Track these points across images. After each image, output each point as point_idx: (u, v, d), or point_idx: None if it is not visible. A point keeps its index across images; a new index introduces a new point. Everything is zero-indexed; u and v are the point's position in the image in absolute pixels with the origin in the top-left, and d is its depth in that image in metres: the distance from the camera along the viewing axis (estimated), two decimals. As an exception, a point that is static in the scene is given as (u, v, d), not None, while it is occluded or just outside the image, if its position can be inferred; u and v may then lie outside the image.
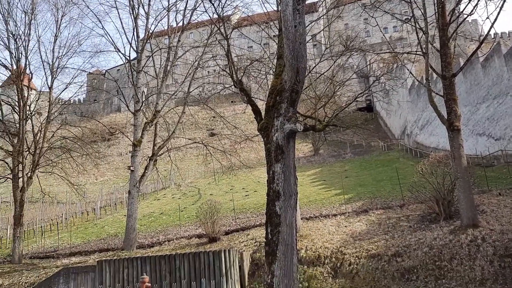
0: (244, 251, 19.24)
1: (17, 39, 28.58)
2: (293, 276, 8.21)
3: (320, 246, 17.80)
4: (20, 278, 21.06)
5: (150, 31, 27.20)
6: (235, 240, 21.79)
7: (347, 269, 16.11)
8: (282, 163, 8.52)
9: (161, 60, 27.51)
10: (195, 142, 30.16)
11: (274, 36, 16.22)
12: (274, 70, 14.27)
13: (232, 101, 71.18)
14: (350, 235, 18.63)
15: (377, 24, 17.42)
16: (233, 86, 14.53)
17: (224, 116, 31.83)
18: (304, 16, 8.35)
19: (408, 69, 28.81)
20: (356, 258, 16.32)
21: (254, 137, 25.09)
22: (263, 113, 9.66)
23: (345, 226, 20.05)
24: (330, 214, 22.58)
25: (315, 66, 16.31)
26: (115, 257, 20.29)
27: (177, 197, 38.13)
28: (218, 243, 21.79)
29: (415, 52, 18.33)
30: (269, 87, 9.81)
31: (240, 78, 10.71)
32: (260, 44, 15.42)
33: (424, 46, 16.71)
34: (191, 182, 43.96)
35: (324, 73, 17.70)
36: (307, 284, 16.06)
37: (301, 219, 21.21)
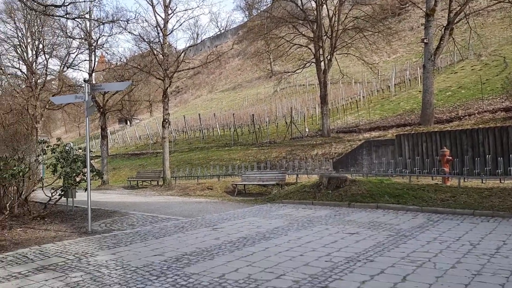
0: None
1: None
2: None
3: None
4: (330, 149, 24.52)
5: None
6: (555, 113, 18.57)
7: None
8: None
9: None
10: (499, 2, 25.74)
11: None
12: None
13: None
14: None
15: None
16: None
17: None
18: None
19: None
20: None
21: None
22: None
23: None
24: None
25: None
26: (412, 132, 20.74)
27: (477, 69, 34.49)
28: (531, 117, 19.11)
29: None
30: None
31: None
32: None
33: None
34: (494, 50, 38.50)
35: None
36: None
37: None
